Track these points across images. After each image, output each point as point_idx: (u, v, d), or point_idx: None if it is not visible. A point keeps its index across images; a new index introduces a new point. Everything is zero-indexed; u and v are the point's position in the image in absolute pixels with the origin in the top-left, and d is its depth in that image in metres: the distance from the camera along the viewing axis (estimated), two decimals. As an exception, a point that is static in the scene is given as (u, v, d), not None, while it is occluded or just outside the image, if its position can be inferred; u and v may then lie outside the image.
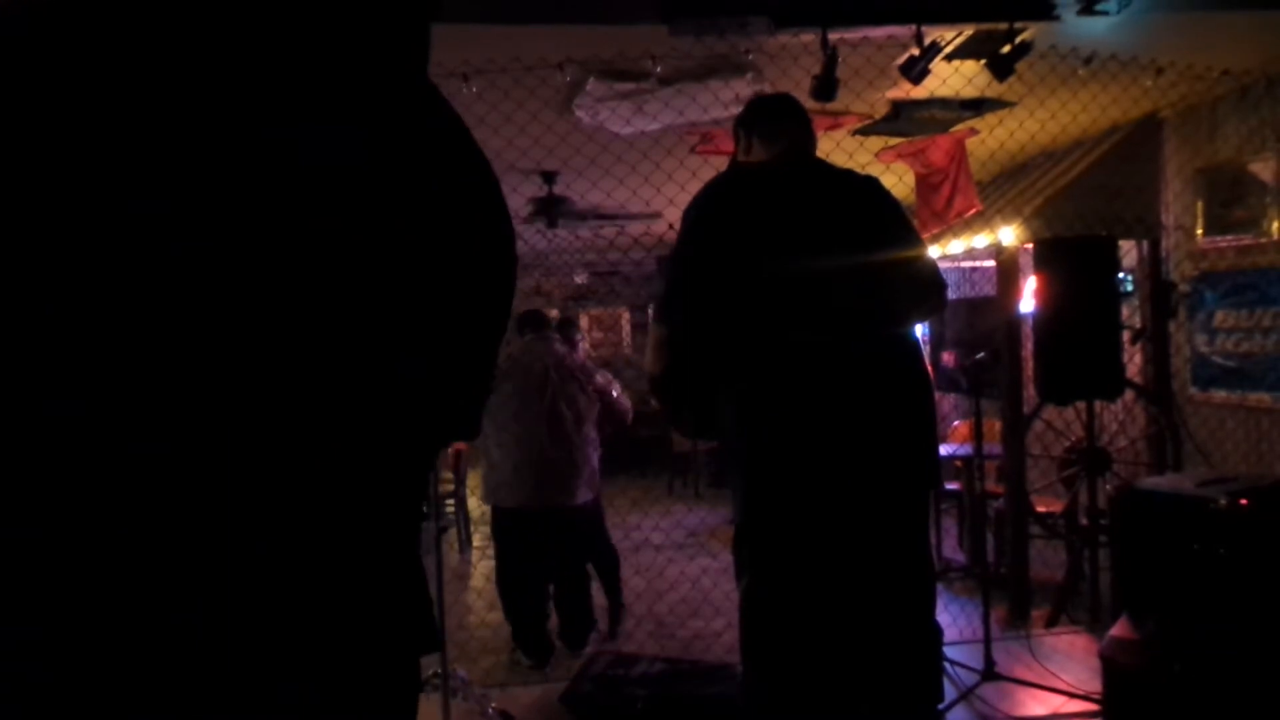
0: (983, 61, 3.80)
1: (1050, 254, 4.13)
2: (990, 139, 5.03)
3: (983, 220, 5.37)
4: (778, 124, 2.37)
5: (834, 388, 2.11)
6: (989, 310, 5.68)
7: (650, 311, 6.66)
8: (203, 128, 0.67)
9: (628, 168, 4.97)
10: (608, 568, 5.05)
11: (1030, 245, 4.52)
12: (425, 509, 0.89)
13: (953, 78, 4.13)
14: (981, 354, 4.15)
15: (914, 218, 5.38)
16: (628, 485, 9.16)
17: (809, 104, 2.85)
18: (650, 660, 4.03)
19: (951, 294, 7.59)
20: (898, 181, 5.67)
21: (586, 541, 4.87)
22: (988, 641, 3.66)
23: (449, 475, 6.99)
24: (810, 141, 2.39)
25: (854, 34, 3.60)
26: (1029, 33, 3.63)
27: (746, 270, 2.12)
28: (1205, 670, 2.82)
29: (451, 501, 7.13)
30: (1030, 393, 4.72)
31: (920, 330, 5.09)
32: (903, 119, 4.87)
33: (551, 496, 4.57)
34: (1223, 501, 2.87)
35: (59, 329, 0.63)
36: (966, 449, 5.63)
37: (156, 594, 0.65)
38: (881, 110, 4.77)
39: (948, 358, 6.39)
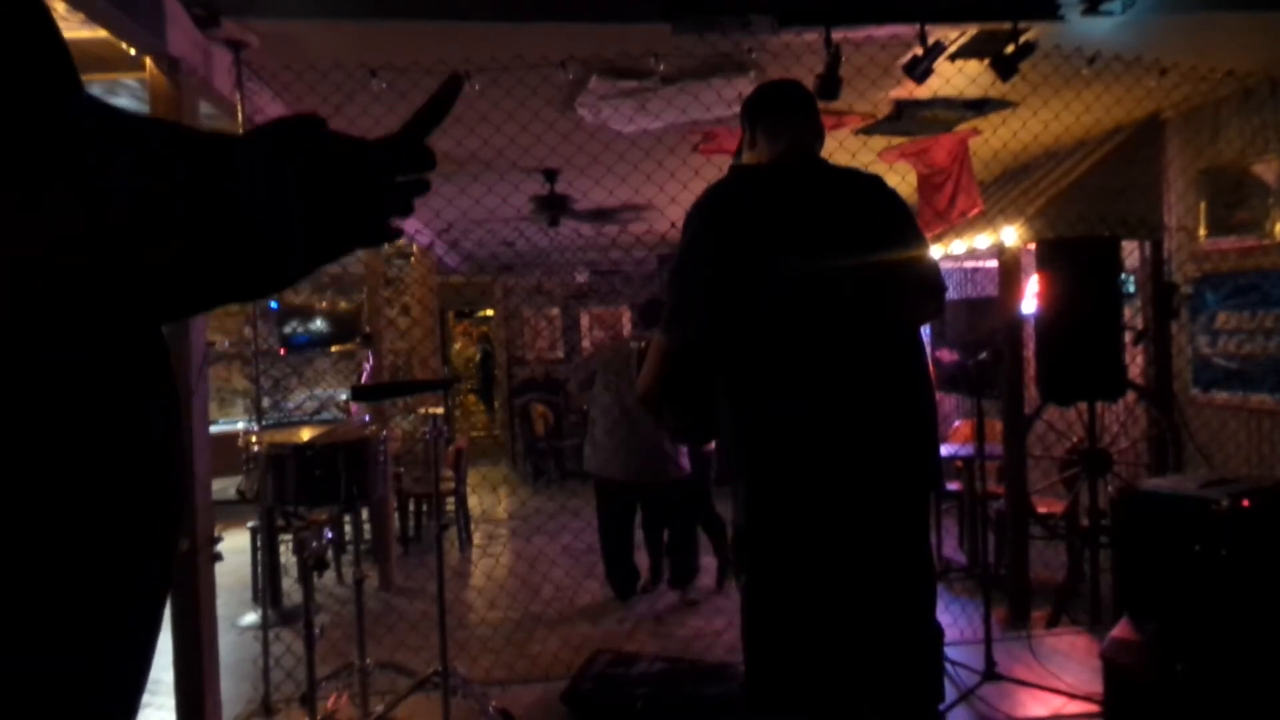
0: (986, 61, 3.80)
1: (1052, 254, 4.13)
2: (993, 139, 5.03)
3: (985, 220, 5.37)
4: (782, 118, 2.34)
5: (836, 388, 2.10)
6: (991, 310, 5.67)
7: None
8: None
9: (630, 166, 4.96)
10: (709, 533, 5.83)
11: (1032, 245, 4.52)
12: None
13: (956, 77, 4.13)
14: (983, 354, 4.15)
15: (916, 217, 5.37)
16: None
17: (812, 103, 2.84)
18: (650, 659, 4.02)
19: (954, 294, 7.57)
20: (900, 181, 5.65)
21: (677, 509, 5.65)
22: (988, 642, 3.66)
23: (449, 474, 6.99)
24: (815, 134, 2.36)
25: (858, 33, 3.60)
26: (1033, 33, 3.63)
27: (751, 275, 2.10)
28: (1207, 671, 2.82)
29: (452, 500, 7.13)
30: (1032, 393, 4.72)
31: (923, 330, 5.08)
32: (906, 118, 4.87)
33: (639, 474, 5.38)
34: (1225, 503, 2.87)
35: None
36: (967, 449, 5.63)
37: None
38: (885, 110, 4.77)
39: (949, 357, 6.38)
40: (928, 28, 3.50)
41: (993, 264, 5.91)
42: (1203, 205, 4.90)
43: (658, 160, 4.93)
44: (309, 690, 3.26)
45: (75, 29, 2.79)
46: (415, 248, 8.63)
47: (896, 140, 5.35)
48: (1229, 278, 4.77)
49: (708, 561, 5.88)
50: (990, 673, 3.62)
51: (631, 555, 5.72)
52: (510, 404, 12.05)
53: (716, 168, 4.15)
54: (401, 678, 3.72)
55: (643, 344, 5.25)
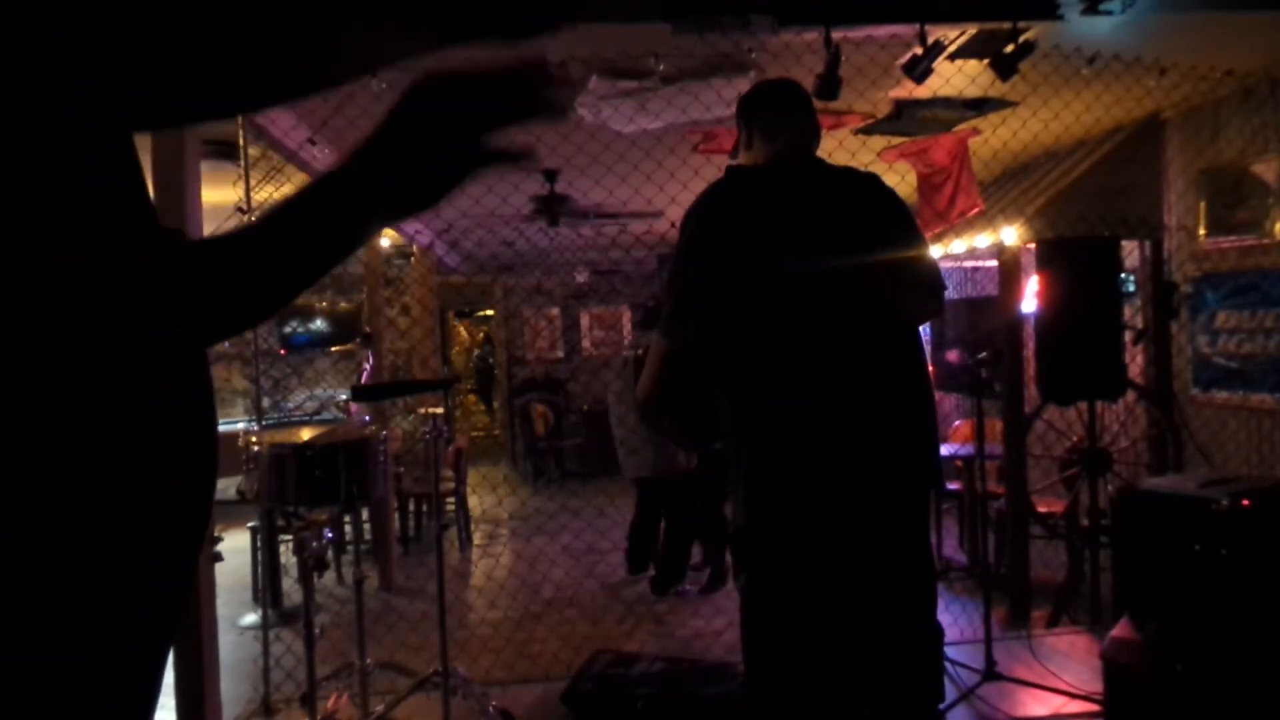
0: (986, 61, 3.79)
1: (1052, 254, 4.13)
2: (993, 138, 5.03)
3: (985, 220, 5.37)
4: (780, 116, 2.34)
5: (835, 388, 2.10)
6: (991, 310, 5.67)
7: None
8: None
9: (630, 166, 4.96)
10: (704, 534, 5.97)
11: (1032, 245, 4.52)
12: None
13: (956, 77, 4.13)
14: (983, 353, 4.15)
15: (916, 217, 5.37)
16: (627, 485, 9.15)
17: (812, 103, 2.84)
18: (650, 659, 4.02)
19: (954, 294, 7.56)
20: (900, 181, 5.66)
21: (678, 506, 5.88)
22: (988, 641, 3.66)
23: (449, 474, 6.99)
24: (812, 133, 2.35)
25: (857, 33, 3.59)
26: (1032, 32, 3.62)
27: (750, 275, 2.10)
28: (1207, 671, 2.82)
29: (452, 500, 7.13)
30: (1032, 393, 4.72)
31: (922, 329, 5.09)
32: (905, 118, 4.87)
33: (639, 469, 5.87)
34: (1225, 502, 2.87)
35: None
36: (968, 449, 5.63)
37: None
38: (884, 109, 4.77)
39: (950, 357, 6.38)
40: (927, 28, 3.50)
41: (993, 264, 5.91)
42: (1203, 205, 4.90)
43: (658, 160, 4.93)
44: (309, 690, 3.26)
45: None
46: (415, 248, 8.63)
47: (896, 140, 5.34)
48: (1229, 277, 4.77)
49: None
50: (990, 672, 3.62)
51: (652, 541, 6.00)
52: (510, 404, 12.05)
53: (716, 168, 4.14)
54: (401, 678, 3.72)
55: (639, 351, 5.38)
